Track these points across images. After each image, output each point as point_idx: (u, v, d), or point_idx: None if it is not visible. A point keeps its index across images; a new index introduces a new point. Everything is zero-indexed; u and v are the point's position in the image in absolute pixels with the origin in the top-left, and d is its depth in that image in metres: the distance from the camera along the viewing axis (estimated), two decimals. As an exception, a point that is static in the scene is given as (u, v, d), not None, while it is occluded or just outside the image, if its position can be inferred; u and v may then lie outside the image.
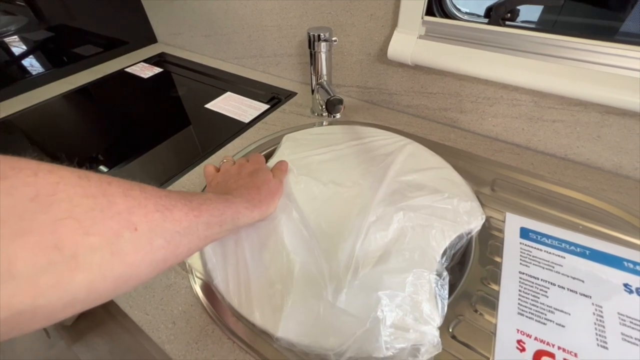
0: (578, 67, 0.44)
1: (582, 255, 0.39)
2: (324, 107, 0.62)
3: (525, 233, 0.42)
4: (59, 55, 0.88)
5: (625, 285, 0.36)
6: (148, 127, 0.70)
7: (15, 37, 0.80)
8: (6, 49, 0.79)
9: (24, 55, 0.83)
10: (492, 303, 0.36)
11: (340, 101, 0.51)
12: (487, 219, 0.44)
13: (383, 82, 0.64)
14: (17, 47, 0.82)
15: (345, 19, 0.60)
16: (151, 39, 1.06)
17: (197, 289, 0.39)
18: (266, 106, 0.70)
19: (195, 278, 0.40)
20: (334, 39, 0.53)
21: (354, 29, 0.61)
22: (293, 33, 0.70)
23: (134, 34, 1.01)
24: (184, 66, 0.91)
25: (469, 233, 0.42)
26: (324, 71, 0.58)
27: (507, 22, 0.48)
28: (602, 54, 0.43)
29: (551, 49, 0.45)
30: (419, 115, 0.64)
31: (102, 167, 0.59)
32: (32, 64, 0.84)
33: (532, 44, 0.46)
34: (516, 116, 0.53)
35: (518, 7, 0.48)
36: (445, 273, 0.37)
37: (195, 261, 0.40)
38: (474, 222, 0.43)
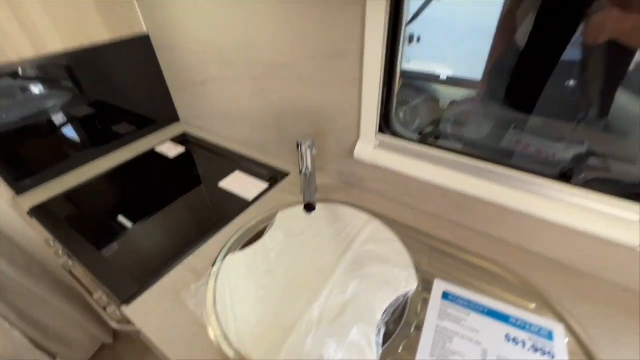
0: (480, 177, 0.65)
1: (482, 312, 0.56)
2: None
3: (445, 295, 0.60)
4: (100, 133, 1.11)
5: (507, 335, 0.53)
6: (174, 205, 0.90)
7: (61, 113, 0.99)
8: (52, 125, 0.99)
9: (69, 132, 1.04)
10: (415, 348, 0.52)
11: (312, 206, 0.69)
12: (421, 283, 0.61)
13: (354, 171, 0.85)
14: (62, 123, 1.02)
15: (326, 127, 0.83)
16: (175, 118, 1.30)
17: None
18: (266, 185, 0.91)
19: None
20: (314, 150, 0.74)
21: (333, 135, 0.83)
22: (288, 131, 0.93)
23: (160, 114, 1.26)
24: (203, 146, 1.13)
25: (406, 295, 0.59)
26: (309, 165, 0.79)
27: (435, 142, 0.69)
28: (497, 174, 0.63)
29: (461, 165, 0.66)
30: (381, 195, 0.84)
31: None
32: (77, 141, 1.06)
33: (447, 161, 0.67)
34: (448, 203, 0.73)
35: (444, 132, 0.70)
36: (383, 326, 0.54)
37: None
38: (410, 287, 0.60)
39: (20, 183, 0.94)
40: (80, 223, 0.83)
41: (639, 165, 0.59)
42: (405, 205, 0.80)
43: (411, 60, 0.74)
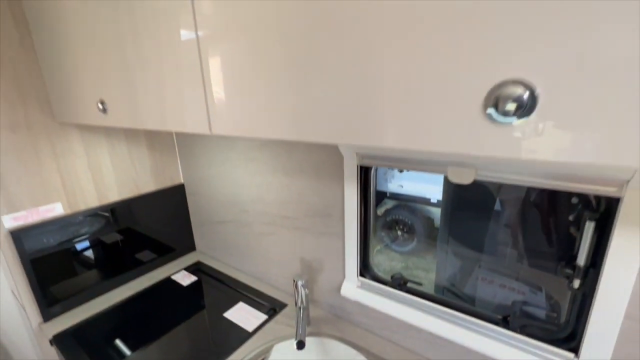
0: (443, 319, 0.78)
1: None
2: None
3: None
4: (125, 260, 1.28)
5: None
6: (179, 333, 1.00)
7: (92, 239, 1.20)
8: (82, 251, 1.19)
9: (97, 258, 1.22)
10: None
11: (302, 344, 0.80)
12: None
13: (342, 305, 0.98)
14: (92, 249, 1.22)
15: (318, 267, 1.01)
16: (192, 248, 1.50)
17: None
18: (265, 317, 1.02)
19: None
20: (306, 289, 0.90)
21: (324, 274, 1.00)
22: (287, 265, 1.11)
23: (180, 244, 1.46)
24: (213, 276, 1.30)
25: None
26: (303, 300, 0.94)
27: (403, 287, 0.86)
28: (457, 317, 0.77)
29: (424, 307, 0.81)
30: (367, 329, 0.94)
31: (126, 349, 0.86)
32: (103, 269, 1.23)
33: (414, 302, 0.82)
34: (424, 339, 0.83)
35: (409, 279, 0.87)
36: None
37: None
38: None
39: (49, 309, 1.07)
40: (96, 350, 0.92)
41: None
42: (388, 340, 0.90)
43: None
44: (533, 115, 0.27)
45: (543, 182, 0.57)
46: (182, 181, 1.41)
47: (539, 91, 0.27)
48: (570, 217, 0.61)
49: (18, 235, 0.97)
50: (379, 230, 1.10)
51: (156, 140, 1.29)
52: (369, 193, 0.86)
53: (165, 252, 1.41)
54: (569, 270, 0.61)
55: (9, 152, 0.93)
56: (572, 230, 0.62)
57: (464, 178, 0.64)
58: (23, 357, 1.05)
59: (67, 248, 1.09)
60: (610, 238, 0.53)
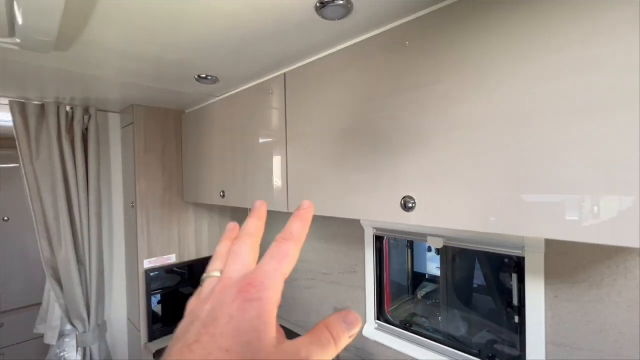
0: (446, 357, 1.05)
1: None
2: None
3: None
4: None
5: None
6: None
7: (184, 285, 1.64)
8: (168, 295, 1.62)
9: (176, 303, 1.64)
10: None
11: None
12: None
13: (365, 346, 1.26)
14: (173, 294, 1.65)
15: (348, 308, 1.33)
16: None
17: None
18: (305, 353, 1.32)
19: None
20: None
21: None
22: (324, 314, 1.43)
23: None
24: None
25: None
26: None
27: (411, 328, 1.14)
28: (453, 353, 1.04)
29: (431, 346, 1.08)
30: (384, 369, 1.19)
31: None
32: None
33: (422, 342, 1.10)
34: (424, 375, 1.07)
35: (420, 318, 1.16)
36: None
37: None
38: None
39: (153, 333, 1.48)
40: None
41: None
42: (400, 378, 1.14)
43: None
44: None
45: (482, 247, 0.92)
46: (249, 246, 1.88)
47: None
48: (506, 272, 0.93)
49: (149, 274, 1.47)
50: (412, 310, 1.28)
51: (236, 213, 1.83)
52: (384, 256, 1.23)
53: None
54: (510, 310, 0.89)
55: (157, 220, 1.50)
56: (508, 281, 0.92)
57: (437, 243, 1.00)
58: (129, 368, 1.43)
59: (169, 289, 1.56)
60: (525, 284, 0.84)
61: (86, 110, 1.42)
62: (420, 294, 1.35)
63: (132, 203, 1.49)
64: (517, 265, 0.88)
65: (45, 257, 1.34)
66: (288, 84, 0.99)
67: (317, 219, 1.46)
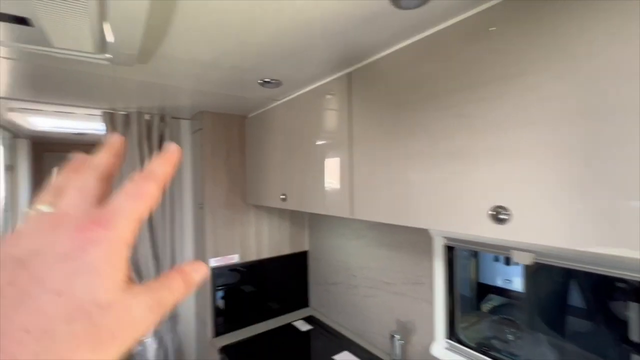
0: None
1: None
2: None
3: None
4: (261, 303, 1.72)
5: None
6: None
7: (243, 283, 1.68)
8: (245, 293, 1.67)
9: (245, 299, 1.69)
10: None
11: None
12: None
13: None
14: (242, 291, 1.69)
15: (412, 329, 1.23)
16: (306, 304, 1.88)
17: None
18: (365, 365, 1.26)
19: None
20: (402, 341, 1.13)
21: (416, 334, 1.21)
22: (385, 325, 1.35)
23: (297, 300, 1.85)
24: (324, 327, 1.61)
25: None
26: (398, 353, 1.15)
27: (488, 351, 1.01)
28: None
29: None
30: (455, 394, 1.07)
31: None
32: (249, 307, 1.68)
33: (497, 366, 0.96)
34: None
35: (493, 338, 1.02)
36: None
37: None
38: None
39: (217, 329, 1.55)
40: (246, 363, 1.31)
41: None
42: (475, 407, 1.02)
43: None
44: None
45: (589, 267, 0.76)
46: (306, 248, 1.88)
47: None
48: (621, 299, 0.76)
49: (214, 272, 1.54)
50: (485, 330, 1.14)
51: (295, 216, 1.84)
52: (455, 269, 1.11)
53: (286, 304, 1.82)
54: (627, 346, 0.73)
55: (222, 221, 1.57)
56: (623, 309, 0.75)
57: (524, 259, 0.87)
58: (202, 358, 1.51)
59: (231, 286, 1.62)
60: (651, 316, 0.68)
61: (162, 118, 1.54)
62: (486, 307, 1.21)
63: (201, 204, 1.58)
64: (639, 293, 0.71)
65: (128, 251, 1.49)
66: (354, 83, 0.94)
67: (378, 225, 1.38)
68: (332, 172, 1.04)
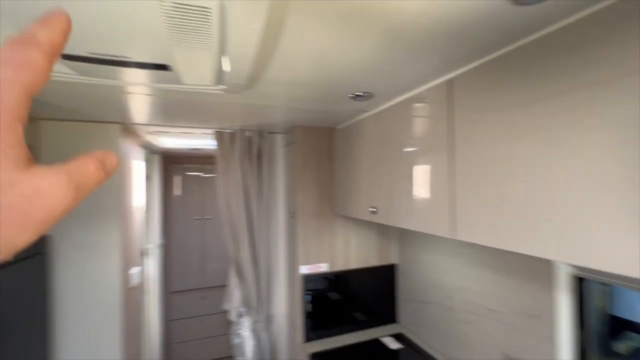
0: None
1: None
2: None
3: None
4: (347, 314, 1.71)
5: None
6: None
7: (331, 292, 1.69)
8: (329, 301, 1.69)
9: (333, 307, 1.70)
10: None
11: None
12: None
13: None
14: (329, 299, 1.71)
15: (524, 367, 1.05)
16: (394, 320, 1.80)
17: None
18: (466, 400, 1.12)
19: None
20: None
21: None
22: (487, 357, 1.19)
23: (385, 314, 1.79)
24: (415, 349, 1.52)
25: None
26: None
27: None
28: None
29: None
30: None
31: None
32: (337, 317, 1.70)
33: None
34: None
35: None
36: None
37: None
38: None
39: (307, 335, 1.61)
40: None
41: None
42: None
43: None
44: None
45: None
46: (395, 261, 1.81)
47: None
48: None
49: (305, 279, 1.60)
50: None
51: (383, 227, 1.79)
52: (586, 304, 0.91)
53: (373, 317, 1.78)
54: None
55: (312, 229, 1.63)
56: None
57: None
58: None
59: (319, 292, 1.66)
60: None
61: (260, 134, 1.69)
62: (623, 347, 0.93)
63: (293, 213, 1.67)
64: None
65: (231, 254, 1.67)
66: (456, 89, 0.87)
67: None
68: (427, 184, 0.97)
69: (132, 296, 1.65)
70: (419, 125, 1.02)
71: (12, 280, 1.11)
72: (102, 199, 1.42)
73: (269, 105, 1.23)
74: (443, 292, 1.43)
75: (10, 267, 1.09)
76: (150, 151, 2.38)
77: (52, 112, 1.26)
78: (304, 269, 1.61)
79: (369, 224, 1.75)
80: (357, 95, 1.08)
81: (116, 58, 0.62)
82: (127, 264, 1.55)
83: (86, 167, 0.19)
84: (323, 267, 1.65)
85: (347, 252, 1.71)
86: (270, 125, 1.63)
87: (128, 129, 1.56)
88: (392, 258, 1.81)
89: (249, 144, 1.68)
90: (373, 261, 1.77)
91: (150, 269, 2.41)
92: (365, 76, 0.92)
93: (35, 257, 1.27)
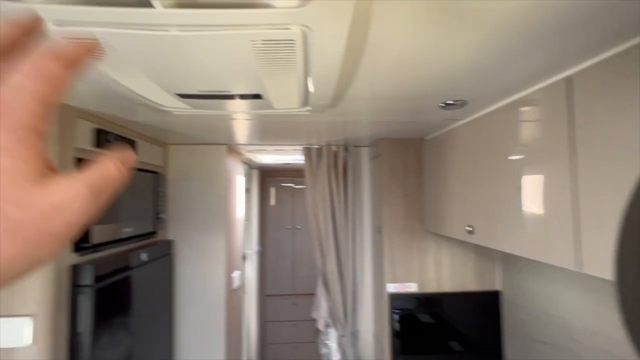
0: None
1: None
2: None
3: None
4: (442, 341, 1.55)
5: None
6: None
7: (421, 314, 1.55)
8: (421, 323, 1.55)
9: (424, 331, 1.55)
10: None
11: None
12: None
13: None
14: (421, 321, 1.56)
15: None
16: (498, 354, 1.55)
17: None
18: None
19: None
20: None
21: None
22: None
23: (487, 350, 1.55)
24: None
25: None
26: None
27: None
28: None
29: None
30: None
31: None
32: (428, 342, 1.55)
33: None
34: None
35: None
36: None
37: None
38: None
39: (396, 357, 1.52)
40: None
41: None
42: None
43: None
44: None
45: None
46: (498, 288, 1.57)
47: None
48: None
49: (392, 297, 1.53)
50: None
51: (482, 248, 1.58)
52: None
53: (472, 349, 1.56)
54: None
55: (399, 246, 1.56)
56: None
57: None
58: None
59: (407, 312, 1.55)
60: None
61: (345, 148, 1.72)
62: None
63: (379, 228, 1.63)
64: None
65: (318, 265, 1.71)
66: (576, 87, 0.71)
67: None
68: (540, 199, 0.81)
69: (234, 298, 1.84)
70: (529, 131, 0.87)
71: (152, 275, 1.38)
72: (211, 208, 1.64)
73: (354, 120, 1.24)
74: (567, 333, 1.17)
75: (151, 264, 1.35)
76: (250, 167, 2.67)
77: (175, 138, 1.53)
78: (391, 287, 1.54)
79: (463, 246, 1.57)
80: (448, 104, 0.99)
81: (220, 93, 0.72)
82: (230, 267, 1.75)
83: (107, 170, 0.19)
84: (412, 287, 1.55)
85: (439, 273, 1.56)
86: (355, 139, 1.64)
87: (232, 148, 1.78)
88: (494, 284, 1.57)
89: (335, 158, 1.71)
90: (471, 286, 1.57)
91: (250, 273, 2.67)
92: (458, 83, 0.84)
93: (165, 257, 1.55)
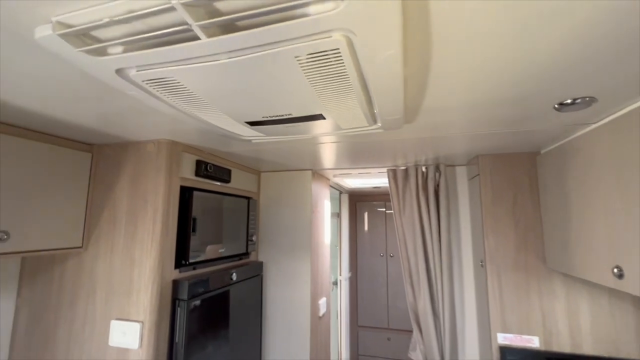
0: None
1: None
2: None
3: None
4: None
5: None
6: None
7: None
8: None
9: None
10: None
11: None
12: None
13: None
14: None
15: None
16: None
17: None
18: None
19: None
20: None
21: None
22: None
23: None
24: None
25: None
26: None
27: None
28: None
29: None
30: None
31: None
32: None
33: None
34: None
35: None
36: None
37: None
38: None
39: None
40: None
41: None
42: None
43: None
44: None
45: None
46: None
47: None
48: None
49: (504, 352, 1.22)
50: None
51: (646, 300, 1.13)
52: None
53: None
54: None
55: (510, 286, 1.25)
56: None
57: None
58: None
59: None
60: None
61: (437, 168, 1.53)
62: None
63: (481, 262, 1.36)
64: None
65: (409, 301, 1.52)
66: None
67: None
68: None
69: (320, 325, 1.80)
70: None
71: (243, 293, 1.47)
72: (297, 233, 1.67)
73: (441, 136, 1.09)
74: None
75: (242, 283, 1.45)
76: (339, 191, 2.68)
77: (266, 166, 1.65)
78: (502, 338, 1.23)
79: (613, 293, 1.15)
80: (565, 104, 0.76)
81: (282, 117, 0.72)
82: (316, 293, 1.73)
83: None
84: (533, 342, 1.20)
85: (575, 327, 1.18)
86: (448, 157, 1.45)
87: (318, 173, 1.81)
88: None
89: (425, 180, 1.54)
90: (629, 350, 1.12)
91: (340, 300, 2.59)
92: (580, 71, 0.63)
93: (256, 277, 1.64)
